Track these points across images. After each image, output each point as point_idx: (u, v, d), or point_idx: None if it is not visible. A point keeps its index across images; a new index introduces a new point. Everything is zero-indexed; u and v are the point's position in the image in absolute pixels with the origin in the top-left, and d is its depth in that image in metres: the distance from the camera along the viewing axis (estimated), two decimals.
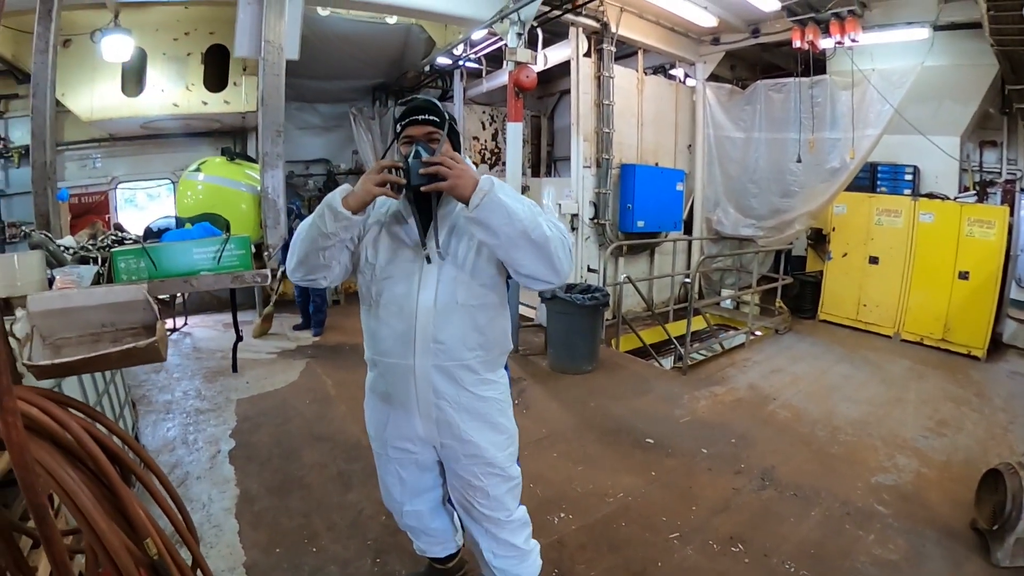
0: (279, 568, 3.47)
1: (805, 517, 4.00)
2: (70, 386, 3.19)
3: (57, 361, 1.44)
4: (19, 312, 1.49)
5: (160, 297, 1.84)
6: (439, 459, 2.53)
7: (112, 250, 1.70)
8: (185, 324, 9.13)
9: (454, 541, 2.93)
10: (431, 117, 2.24)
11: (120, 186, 10.05)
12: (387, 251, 2.31)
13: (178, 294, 7.83)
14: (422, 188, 2.07)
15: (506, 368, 2.54)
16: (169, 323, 8.92)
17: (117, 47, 7.27)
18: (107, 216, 9.81)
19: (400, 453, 2.52)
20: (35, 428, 1.38)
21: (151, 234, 1.91)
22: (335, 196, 2.13)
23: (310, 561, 3.53)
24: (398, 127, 2.30)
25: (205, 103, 8.52)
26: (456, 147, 2.36)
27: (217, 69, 8.41)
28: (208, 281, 1.73)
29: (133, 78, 8.18)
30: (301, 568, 3.46)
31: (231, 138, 10.13)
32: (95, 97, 8.05)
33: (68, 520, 1.98)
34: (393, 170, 2.09)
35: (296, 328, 8.73)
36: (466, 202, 2.01)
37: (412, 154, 2.13)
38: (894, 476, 4.62)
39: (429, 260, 2.23)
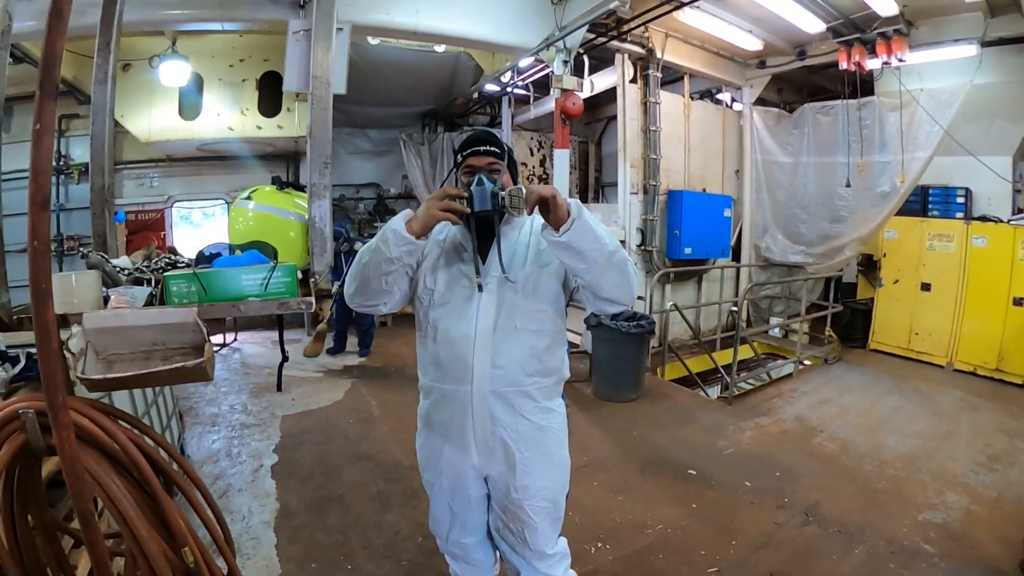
0: None
1: (848, 555, 3.87)
2: (120, 397, 3.29)
3: (109, 376, 1.51)
4: (75, 328, 1.56)
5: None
6: (488, 492, 2.49)
7: (165, 274, 1.76)
8: (235, 340, 9.34)
9: (492, 571, 2.91)
10: (492, 148, 2.28)
11: (176, 205, 10.42)
12: (446, 278, 2.31)
13: None
14: (480, 212, 2.12)
15: (563, 397, 2.49)
16: (219, 338, 9.14)
17: (174, 72, 7.58)
18: (163, 233, 10.17)
19: (453, 484, 2.48)
20: (85, 437, 1.45)
21: (203, 259, 1.97)
22: (398, 221, 2.15)
23: None
24: (459, 157, 2.34)
25: (259, 127, 8.82)
26: (514, 178, 2.39)
27: (271, 95, 8.69)
28: (255, 307, 1.78)
29: (190, 102, 8.49)
30: None
31: (284, 161, 10.43)
32: (153, 119, 8.42)
33: (109, 523, 2.04)
34: (457, 199, 2.11)
35: (329, 352, 8.57)
36: (560, 223, 2.01)
37: (475, 182, 2.15)
38: (942, 513, 4.44)
39: (481, 289, 2.23)
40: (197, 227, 10.90)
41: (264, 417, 6.12)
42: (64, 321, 1.61)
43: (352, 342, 8.82)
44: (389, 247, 2.12)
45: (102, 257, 1.87)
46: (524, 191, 2.08)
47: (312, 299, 1.86)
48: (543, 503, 2.39)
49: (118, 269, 1.88)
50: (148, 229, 10.02)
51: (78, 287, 1.67)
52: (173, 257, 2.06)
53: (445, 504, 2.54)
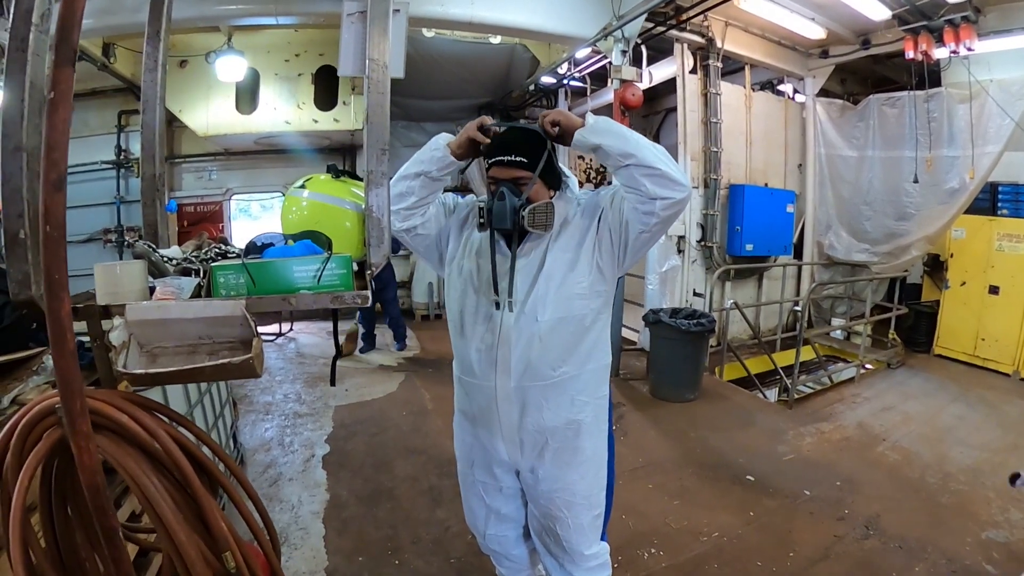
0: None
1: (908, 571, 3.68)
2: (173, 387, 3.31)
3: (151, 371, 1.47)
4: (116, 320, 1.52)
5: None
6: (522, 486, 2.45)
7: (212, 264, 1.71)
8: (291, 329, 9.48)
9: (537, 569, 2.84)
10: (518, 159, 2.15)
11: (234, 197, 10.61)
12: (473, 279, 2.27)
13: None
14: (499, 228, 2.13)
15: (608, 385, 2.40)
16: (274, 328, 9.28)
17: (230, 67, 7.72)
18: (221, 225, 10.41)
19: (485, 477, 2.46)
20: (123, 434, 1.41)
21: (254, 248, 1.92)
22: (438, 139, 2.22)
23: (391, 573, 3.55)
24: (485, 162, 2.25)
25: (315, 121, 8.93)
26: (556, 183, 2.28)
27: (327, 89, 8.81)
28: (307, 300, 1.72)
29: (247, 96, 8.65)
30: None
31: (340, 154, 10.53)
32: (210, 114, 8.61)
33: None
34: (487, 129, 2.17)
35: (361, 351, 8.40)
36: (575, 128, 2.07)
37: (497, 195, 2.11)
38: (1006, 532, 4.18)
39: (498, 307, 2.19)
40: (256, 219, 11.09)
41: (317, 407, 6.18)
42: (107, 312, 1.57)
43: (383, 339, 8.76)
44: (428, 158, 2.18)
45: (149, 246, 1.84)
46: (551, 207, 2.13)
47: (368, 293, 1.79)
48: (575, 498, 2.32)
49: (166, 259, 1.84)
50: (207, 221, 10.25)
51: (122, 277, 1.63)
52: (224, 247, 2.01)
53: (479, 495, 2.53)
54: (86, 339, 1.73)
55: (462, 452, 2.54)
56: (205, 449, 1.64)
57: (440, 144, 2.18)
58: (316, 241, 1.91)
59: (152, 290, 1.68)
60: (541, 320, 2.14)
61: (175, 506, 1.44)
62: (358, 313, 8.49)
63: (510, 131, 2.22)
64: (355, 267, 1.88)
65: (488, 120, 2.17)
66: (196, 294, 1.67)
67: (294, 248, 1.88)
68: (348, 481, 4.63)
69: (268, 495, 4.36)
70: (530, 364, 2.17)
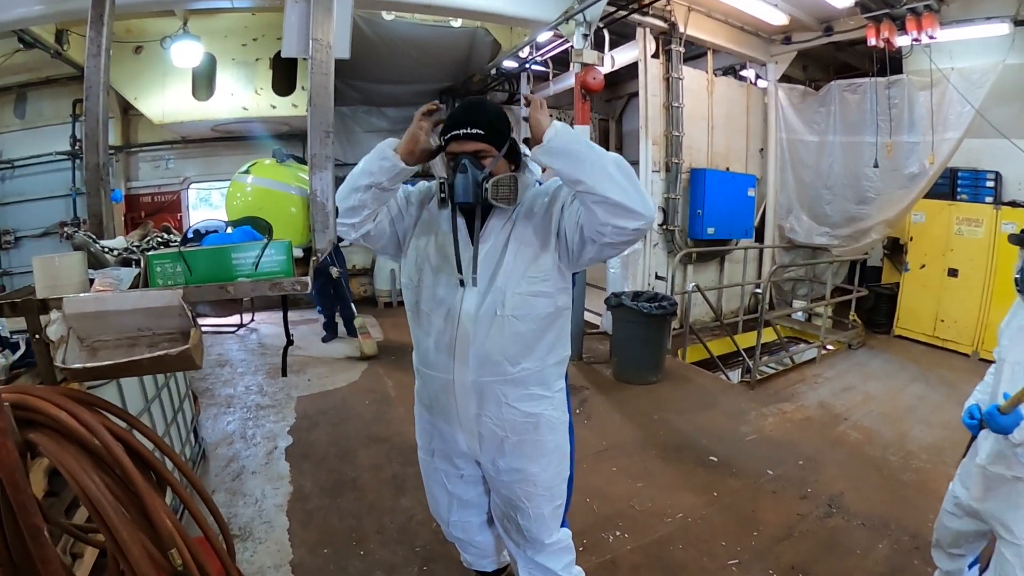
0: (325, 569, 3.47)
1: (872, 549, 3.75)
2: (129, 382, 3.23)
3: (88, 365, 1.42)
4: (54, 314, 1.47)
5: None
6: (484, 475, 2.42)
7: (148, 253, 1.65)
8: (252, 320, 9.32)
9: (498, 557, 2.83)
10: (476, 131, 2.06)
11: (192, 186, 10.40)
12: (432, 259, 2.19)
13: None
14: (462, 204, 2.04)
15: (565, 379, 2.37)
16: (236, 319, 9.15)
17: (186, 53, 7.54)
18: (179, 215, 10.19)
19: (446, 465, 2.43)
20: (62, 431, 1.35)
21: (196, 236, 1.86)
22: (383, 145, 2.09)
23: (357, 564, 3.51)
24: (441, 140, 2.15)
25: (274, 107, 8.75)
26: (516, 160, 2.20)
27: (285, 74, 8.62)
28: (245, 288, 1.68)
29: (204, 82, 8.45)
30: (347, 571, 3.45)
31: (300, 140, 10.33)
32: (167, 101, 8.40)
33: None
34: (432, 113, 2.11)
35: (324, 341, 8.29)
36: (542, 131, 1.93)
37: (458, 168, 2.02)
38: None
39: (463, 284, 2.10)
40: (216, 208, 10.88)
41: (280, 398, 6.10)
42: (45, 306, 1.51)
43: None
44: (373, 168, 2.04)
45: (88, 237, 1.78)
46: (515, 180, 2.06)
47: (308, 279, 1.74)
48: (536, 488, 2.28)
49: (106, 250, 1.78)
50: (164, 211, 10.03)
51: (61, 269, 1.58)
52: (166, 236, 1.95)
53: (441, 483, 2.50)
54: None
55: (423, 441, 2.50)
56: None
57: (388, 152, 2.06)
58: (256, 227, 1.85)
59: (92, 282, 1.62)
60: (501, 314, 2.08)
61: (117, 504, 1.39)
62: (316, 305, 8.45)
63: (468, 105, 2.14)
64: (300, 253, 1.84)
65: (431, 106, 2.10)
66: (135, 285, 1.61)
67: (233, 235, 1.83)
68: (311, 472, 4.59)
69: (231, 489, 4.31)
70: (489, 358, 2.11)
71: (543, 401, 2.23)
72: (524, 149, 2.26)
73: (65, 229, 9.12)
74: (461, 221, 2.13)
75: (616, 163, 1.90)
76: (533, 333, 2.14)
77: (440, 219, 2.22)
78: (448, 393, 2.20)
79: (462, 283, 2.10)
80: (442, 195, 2.09)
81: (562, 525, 2.49)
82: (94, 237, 1.84)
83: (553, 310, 2.16)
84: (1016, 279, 2.61)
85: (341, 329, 8.42)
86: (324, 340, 8.24)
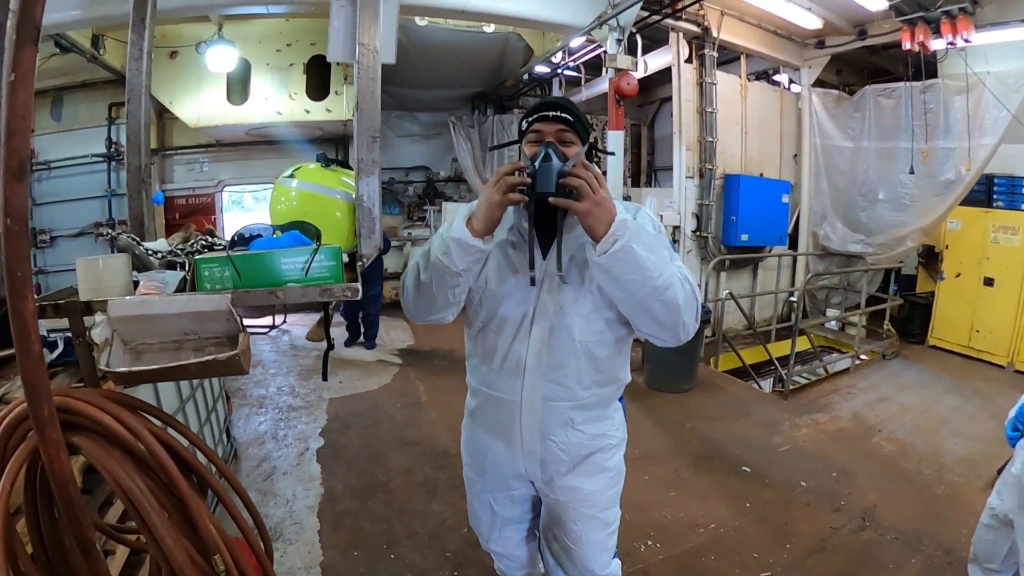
0: (355, 571, 3.48)
1: (905, 564, 3.67)
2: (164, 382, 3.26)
3: (134, 369, 1.43)
4: (99, 316, 1.47)
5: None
6: (535, 493, 2.31)
7: (196, 257, 1.65)
8: (284, 322, 9.41)
9: (537, 569, 2.76)
10: (564, 115, 1.88)
11: (226, 189, 10.55)
12: (499, 270, 1.99)
13: None
14: (550, 199, 1.74)
15: (621, 400, 2.26)
16: (268, 320, 9.25)
17: (221, 58, 7.64)
18: (213, 217, 10.33)
19: (497, 486, 2.32)
20: (106, 435, 1.36)
21: (241, 240, 1.86)
22: (458, 226, 1.81)
23: (387, 568, 3.51)
24: (523, 124, 1.96)
25: (307, 111, 8.85)
26: (590, 158, 1.99)
27: (319, 79, 8.73)
28: (295, 294, 1.66)
29: (238, 87, 8.58)
30: (377, 574, 3.46)
31: (333, 144, 10.44)
32: (202, 105, 8.53)
33: None
34: (517, 172, 1.78)
35: (347, 345, 8.23)
36: (595, 238, 1.71)
37: (541, 156, 1.78)
38: None
39: (533, 282, 1.91)
40: (249, 211, 11.02)
41: (311, 400, 6.14)
42: (89, 308, 1.52)
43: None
44: (453, 260, 1.81)
45: (132, 239, 1.79)
46: (602, 176, 1.80)
47: (358, 285, 1.73)
48: (592, 511, 2.18)
49: (150, 252, 1.79)
50: (198, 213, 10.17)
51: (105, 271, 1.58)
52: (211, 239, 1.95)
53: (486, 502, 2.38)
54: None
55: (472, 460, 2.36)
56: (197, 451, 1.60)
57: (471, 241, 1.79)
58: (305, 232, 1.84)
59: (136, 285, 1.63)
60: (575, 339, 1.96)
61: (161, 509, 1.39)
62: (340, 306, 8.29)
63: (550, 97, 2.02)
64: (345, 258, 1.83)
65: (507, 166, 1.80)
66: (181, 288, 1.61)
67: (281, 239, 1.82)
68: (343, 474, 4.60)
69: (262, 489, 4.33)
70: (560, 383, 2.00)
71: (607, 422, 2.15)
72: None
73: (101, 229, 9.29)
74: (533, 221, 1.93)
75: (665, 304, 1.77)
76: (606, 359, 2.03)
77: (513, 212, 2.01)
78: (512, 416, 2.08)
79: (533, 281, 1.93)
80: (520, 189, 1.82)
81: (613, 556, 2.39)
82: (138, 239, 1.85)
83: (624, 334, 2.07)
84: None
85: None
86: (346, 344, 8.22)
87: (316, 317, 9.58)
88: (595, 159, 2.11)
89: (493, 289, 2.01)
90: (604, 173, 9.99)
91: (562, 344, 1.97)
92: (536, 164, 1.78)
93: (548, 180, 1.74)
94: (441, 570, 3.48)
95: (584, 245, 1.81)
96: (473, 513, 2.52)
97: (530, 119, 1.93)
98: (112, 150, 9.37)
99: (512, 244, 2.00)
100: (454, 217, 1.90)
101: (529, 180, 1.76)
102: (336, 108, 8.83)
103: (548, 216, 1.87)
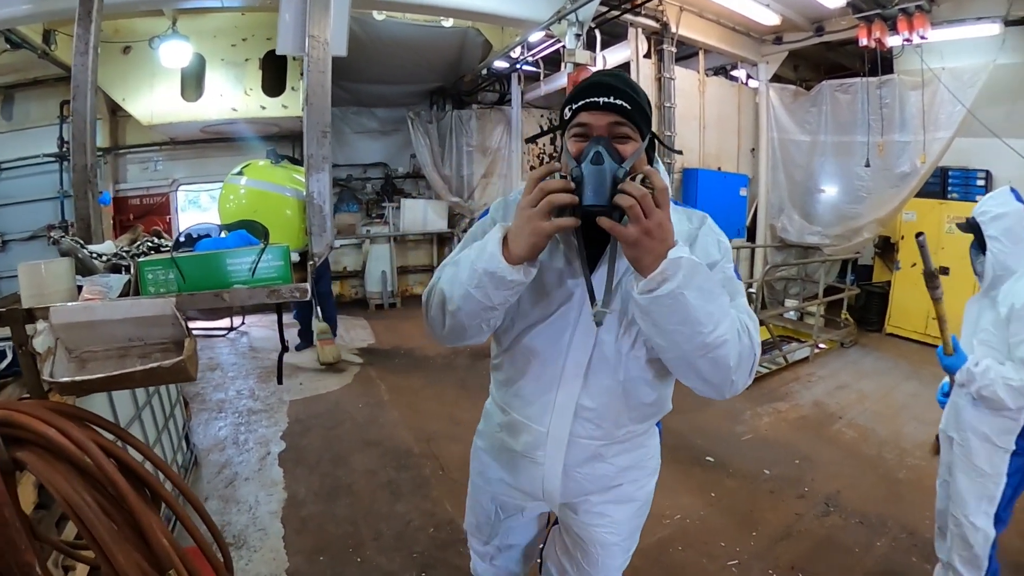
0: None
1: (870, 547, 3.77)
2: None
3: (77, 379, 1.37)
4: (40, 324, 1.41)
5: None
6: (548, 511, 2.13)
7: (140, 260, 1.59)
8: (242, 323, 9.25)
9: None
10: (619, 102, 1.46)
11: (181, 188, 10.34)
12: (535, 289, 1.62)
13: None
14: (597, 219, 1.36)
15: (658, 424, 1.98)
16: (226, 322, 9.08)
17: (175, 53, 7.48)
18: (168, 217, 10.11)
19: (512, 520, 2.11)
20: (52, 449, 1.30)
21: (189, 240, 1.79)
22: (493, 255, 1.43)
23: (353, 571, 3.49)
24: (567, 111, 1.55)
25: (263, 107, 8.67)
26: (650, 157, 1.66)
27: (275, 74, 8.56)
28: (242, 295, 1.61)
29: (192, 83, 8.38)
30: None
31: (290, 142, 10.28)
32: (155, 102, 8.31)
33: None
34: (563, 191, 1.39)
35: (298, 348, 7.91)
36: (640, 271, 1.36)
37: (590, 157, 1.39)
38: None
39: (600, 323, 1.50)
40: (205, 210, 10.80)
41: (272, 402, 6.06)
42: (31, 316, 1.45)
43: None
44: (487, 294, 1.47)
45: (76, 242, 1.72)
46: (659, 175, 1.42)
47: (308, 286, 1.66)
48: (614, 537, 1.95)
49: (94, 255, 1.72)
50: (153, 213, 9.94)
51: (48, 277, 1.51)
52: (157, 240, 1.89)
53: (488, 517, 2.15)
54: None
55: (483, 477, 2.09)
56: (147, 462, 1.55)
57: (497, 268, 1.43)
58: (252, 231, 1.78)
59: (81, 290, 1.57)
60: (617, 379, 1.68)
61: (112, 524, 1.34)
62: (293, 308, 8.03)
63: (605, 72, 1.57)
64: (296, 257, 1.78)
65: (553, 184, 1.39)
66: (125, 292, 1.56)
67: (228, 240, 1.76)
68: (305, 478, 4.56)
69: (224, 496, 4.27)
70: (594, 421, 1.74)
71: (641, 451, 1.90)
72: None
73: (52, 233, 9.01)
74: (573, 240, 1.59)
75: (713, 362, 1.43)
76: (646, 395, 1.75)
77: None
78: (539, 446, 1.82)
79: (591, 315, 1.52)
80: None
81: None
82: (82, 242, 1.78)
83: (668, 371, 1.69)
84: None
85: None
86: (297, 348, 7.94)
87: (274, 318, 9.40)
88: (652, 152, 1.68)
89: (526, 310, 1.69)
90: (554, 156, 8.63)
91: (600, 380, 1.69)
92: (584, 167, 1.39)
93: (600, 188, 1.37)
94: (408, 571, 3.47)
95: (630, 270, 1.44)
96: (473, 525, 2.26)
97: (574, 106, 1.52)
98: (64, 149, 9.07)
99: (553, 254, 1.64)
100: (487, 231, 1.54)
101: (576, 199, 1.38)
102: (292, 104, 8.65)
103: (594, 228, 1.40)
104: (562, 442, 1.77)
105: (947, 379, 3.10)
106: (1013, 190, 3.01)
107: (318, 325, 7.72)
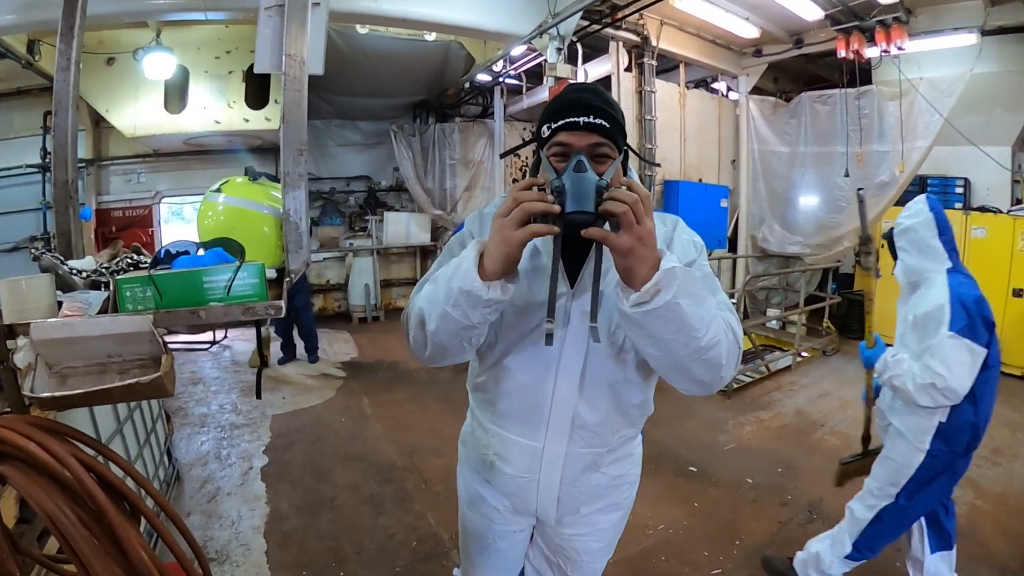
0: None
1: None
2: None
3: (56, 394, 1.38)
4: (21, 340, 1.43)
5: None
6: (532, 534, 2.10)
7: (118, 277, 1.60)
8: (225, 337, 9.21)
9: None
10: (599, 121, 1.46)
11: (164, 200, 10.29)
12: (518, 299, 1.60)
13: None
14: (582, 232, 1.33)
15: (641, 432, 2.00)
16: (208, 336, 9.05)
17: (159, 65, 7.46)
18: (151, 230, 10.06)
19: (507, 544, 2.07)
20: (31, 463, 1.31)
21: (168, 257, 1.80)
22: (467, 270, 1.40)
23: None
24: (545, 129, 1.54)
25: (247, 120, 8.66)
26: (625, 169, 1.67)
27: (258, 87, 8.55)
28: (218, 313, 1.61)
29: (176, 95, 8.36)
30: None
31: (273, 154, 10.27)
32: (139, 114, 8.29)
33: None
34: (541, 191, 1.39)
35: (280, 363, 7.95)
36: (631, 284, 1.34)
37: (573, 165, 1.37)
38: None
39: (549, 341, 1.47)
40: (188, 223, 10.75)
41: (254, 417, 6.03)
42: (11, 332, 1.47)
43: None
44: (465, 313, 1.44)
45: (56, 258, 1.73)
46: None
47: (282, 303, 1.67)
48: (599, 544, 2.00)
49: (74, 272, 1.73)
50: (136, 226, 9.90)
51: (29, 293, 1.52)
52: (136, 257, 1.90)
53: (486, 546, 2.09)
54: None
55: (472, 504, 2.06)
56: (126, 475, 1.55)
57: (472, 286, 1.40)
58: (228, 249, 1.79)
59: (61, 306, 1.58)
60: (610, 380, 1.70)
61: (92, 538, 1.35)
62: (271, 323, 7.90)
63: (583, 88, 1.55)
64: (274, 274, 1.79)
65: (526, 185, 1.41)
66: (104, 309, 1.57)
67: (204, 257, 1.78)
68: (288, 492, 4.54)
69: (207, 511, 4.24)
70: (589, 429, 1.75)
71: (628, 460, 1.93)
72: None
73: (33, 248, 8.92)
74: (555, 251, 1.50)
75: (707, 363, 1.44)
76: (637, 397, 1.77)
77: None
78: (533, 463, 1.81)
79: (549, 340, 1.47)
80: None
81: None
82: (62, 258, 1.79)
83: (655, 374, 1.74)
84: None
85: (301, 352, 8.25)
86: (280, 362, 7.99)
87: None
88: (626, 166, 1.68)
89: (511, 323, 1.66)
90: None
91: (595, 387, 1.70)
92: (565, 178, 1.37)
93: (583, 195, 1.34)
94: None
95: (611, 280, 1.46)
96: (470, 562, 2.20)
97: (552, 125, 1.51)
98: (47, 160, 9.06)
99: (537, 265, 1.64)
100: (465, 243, 1.60)
101: (557, 208, 1.35)
102: (275, 117, 8.64)
103: (576, 239, 1.38)
104: (559, 455, 1.78)
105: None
106: (929, 198, 3.08)
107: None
